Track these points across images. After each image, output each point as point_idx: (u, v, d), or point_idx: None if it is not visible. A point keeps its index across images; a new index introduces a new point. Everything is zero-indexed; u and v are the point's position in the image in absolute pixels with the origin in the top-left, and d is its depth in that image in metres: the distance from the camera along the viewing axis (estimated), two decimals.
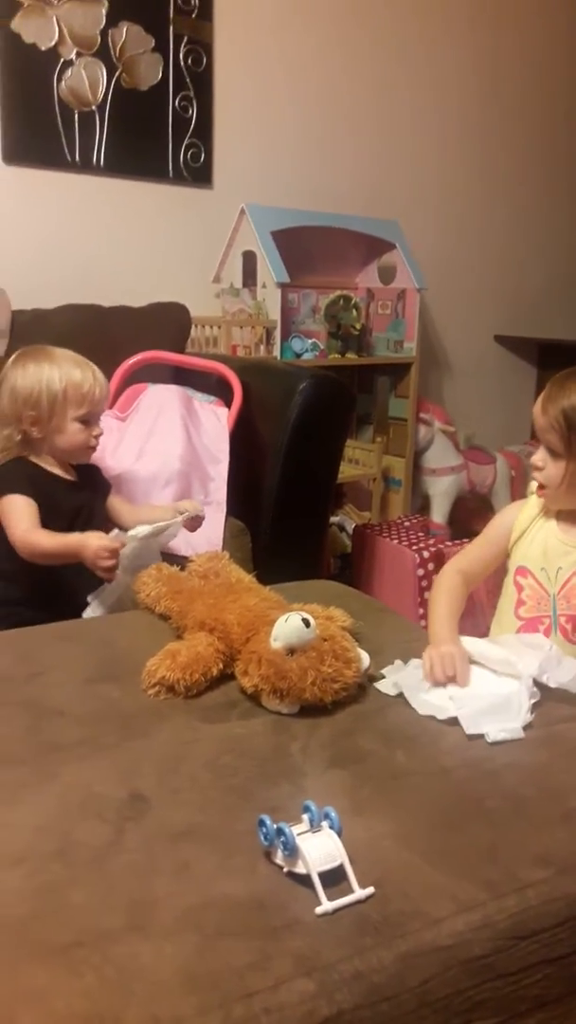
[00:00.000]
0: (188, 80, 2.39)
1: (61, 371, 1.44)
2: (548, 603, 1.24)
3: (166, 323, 2.14)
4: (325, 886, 0.69)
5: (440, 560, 2.35)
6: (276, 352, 2.36)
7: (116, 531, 1.34)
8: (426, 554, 2.32)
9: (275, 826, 0.72)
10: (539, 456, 1.20)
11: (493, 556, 1.31)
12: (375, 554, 2.43)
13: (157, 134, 2.38)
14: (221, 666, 1.06)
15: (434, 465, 2.88)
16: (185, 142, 2.43)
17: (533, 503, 1.30)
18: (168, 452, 1.71)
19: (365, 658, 1.06)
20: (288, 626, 1.01)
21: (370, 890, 0.69)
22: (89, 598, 1.37)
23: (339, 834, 0.72)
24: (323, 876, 0.69)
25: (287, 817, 0.74)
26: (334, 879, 0.70)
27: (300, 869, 0.70)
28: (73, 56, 2.20)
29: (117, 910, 0.67)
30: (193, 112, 2.42)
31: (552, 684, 1.03)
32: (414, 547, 2.34)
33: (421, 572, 2.31)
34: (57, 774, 0.86)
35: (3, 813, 0.79)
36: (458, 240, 3.12)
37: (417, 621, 2.21)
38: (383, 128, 2.83)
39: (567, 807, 0.82)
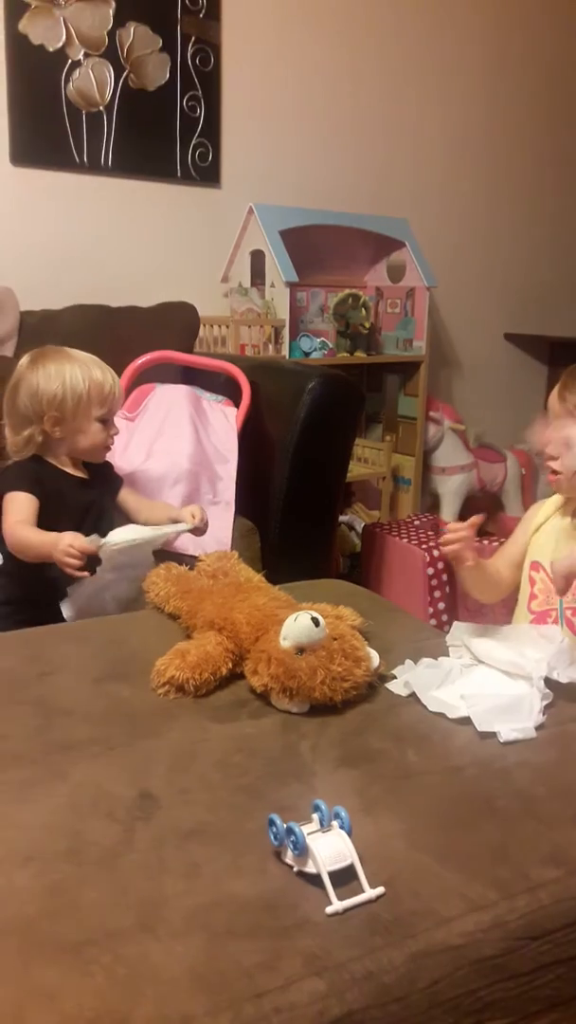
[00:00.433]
0: (196, 80, 2.39)
1: (84, 372, 1.45)
2: (556, 596, 1.24)
3: (174, 323, 2.15)
4: (335, 886, 0.69)
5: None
6: (285, 351, 2.36)
7: (94, 536, 1.33)
8: (436, 553, 2.31)
9: (285, 825, 0.72)
10: (553, 446, 1.19)
11: (518, 552, 1.31)
12: (385, 553, 2.43)
13: (165, 134, 2.38)
14: (230, 665, 1.06)
15: (444, 464, 2.87)
16: (193, 142, 2.43)
17: (552, 501, 1.30)
18: (177, 451, 1.71)
19: (375, 657, 1.06)
20: (297, 625, 1.01)
21: (380, 890, 0.69)
22: (68, 589, 1.38)
23: (349, 833, 0.72)
24: (333, 876, 0.69)
25: (297, 816, 0.73)
26: (344, 879, 0.70)
27: (310, 869, 0.70)
28: (81, 57, 2.20)
29: (127, 909, 0.67)
30: (201, 112, 2.42)
31: (563, 680, 1.02)
32: (424, 546, 2.34)
33: (431, 571, 2.31)
34: (67, 773, 0.86)
35: (13, 812, 0.79)
36: (467, 238, 3.11)
37: (427, 620, 2.21)
38: (390, 126, 2.83)
39: None
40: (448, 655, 1.14)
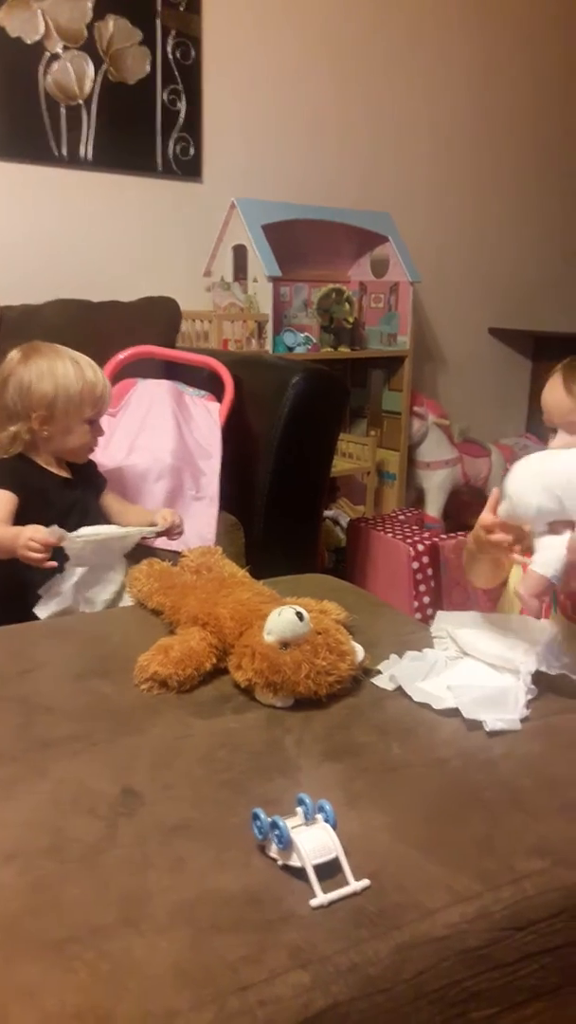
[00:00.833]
0: (176, 73, 2.38)
1: (77, 372, 1.43)
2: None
3: (156, 317, 2.14)
4: (320, 879, 0.68)
5: (435, 554, 2.34)
6: (268, 346, 2.35)
7: (54, 527, 1.33)
8: (421, 548, 2.32)
9: (269, 819, 0.71)
10: (559, 442, 1.16)
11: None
12: (370, 548, 2.43)
13: (146, 128, 2.37)
14: (214, 660, 1.06)
15: (428, 458, 2.88)
16: (174, 136, 2.41)
17: None
18: (159, 447, 1.71)
19: (360, 651, 1.06)
20: (282, 620, 1.00)
21: (365, 882, 0.69)
22: (40, 591, 1.37)
23: (334, 827, 0.72)
24: (318, 869, 0.69)
25: (281, 811, 0.73)
26: (329, 872, 0.69)
27: (295, 862, 0.70)
28: (59, 50, 2.19)
29: (110, 905, 0.66)
30: (182, 106, 2.41)
31: (553, 672, 1.02)
32: (409, 541, 2.34)
33: (416, 566, 2.31)
34: (49, 770, 0.85)
35: None
36: (451, 232, 3.11)
37: (412, 615, 2.21)
38: (374, 120, 2.83)
39: (564, 798, 0.82)
40: (433, 647, 1.14)
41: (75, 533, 1.34)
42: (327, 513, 2.65)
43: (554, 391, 1.17)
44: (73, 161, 2.27)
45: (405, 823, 0.78)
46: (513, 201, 3.26)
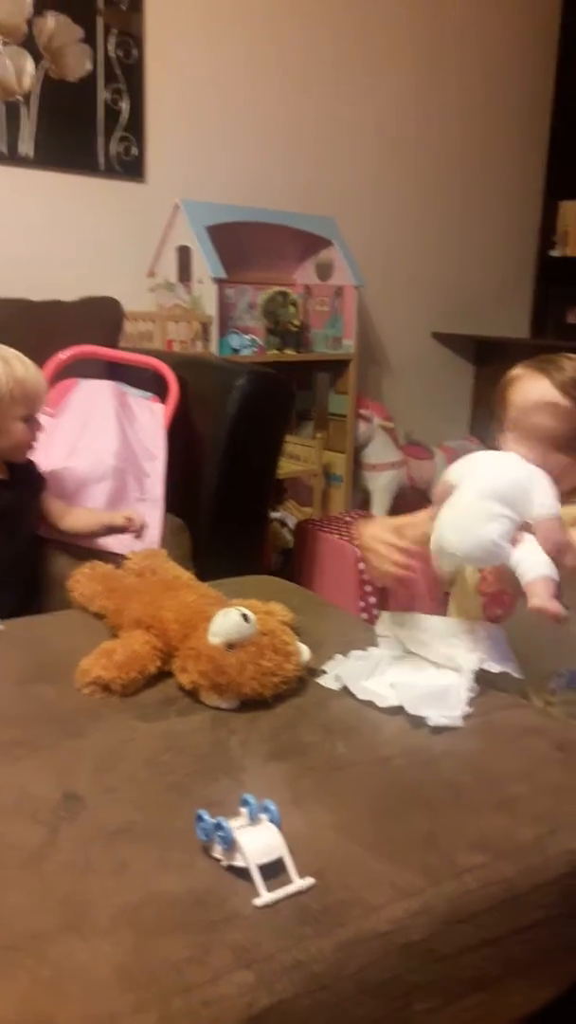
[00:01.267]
0: (119, 72, 2.36)
1: (5, 369, 1.40)
2: (508, 574, 1.22)
3: (98, 317, 2.11)
4: (265, 878, 0.68)
5: None
6: (213, 348, 2.35)
7: None
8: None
9: (213, 821, 0.71)
10: (523, 451, 1.12)
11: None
12: (317, 549, 2.44)
13: (88, 127, 2.34)
14: (158, 663, 1.05)
15: (374, 461, 2.90)
16: (117, 135, 2.39)
17: None
18: (102, 449, 1.68)
19: (305, 651, 1.06)
20: (227, 621, 1.00)
21: (310, 880, 0.69)
22: None
23: (278, 826, 0.72)
24: (263, 868, 0.69)
25: (226, 812, 0.73)
26: (274, 871, 0.70)
27: (239, 862, 0.70)
28: None
29: (52, 911, 0.66)
30: (124, 105, 2.39)
31: (495, 670, 1.04)
32: (355, 542, 2.36)
33: (362, 567, 2.33)
34: None
35: None
36: (395, 237, 3.15)
37: (358, 615, 2.23)
38: (319, 124, 2.84)
39: (503, 793, 0.83)
40: (378, 646, 1.15)
41: None
42: (274, 515, 2.65)
43: (543, 394, 1.12)
44: (13, 158, 2.23)
45: (350, 821, 0.79)
46: (457, 207, 3.31)
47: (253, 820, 0.73)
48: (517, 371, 1.19)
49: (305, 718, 0.98)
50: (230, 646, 1.00)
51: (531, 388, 1.14)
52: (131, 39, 2.36)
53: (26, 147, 2.24)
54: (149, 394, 1.89)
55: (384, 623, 1.18)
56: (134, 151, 2.43)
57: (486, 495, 1.00)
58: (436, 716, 0.95)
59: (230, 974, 0.60)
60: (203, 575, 1.32)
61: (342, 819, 0.79)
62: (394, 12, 2.94)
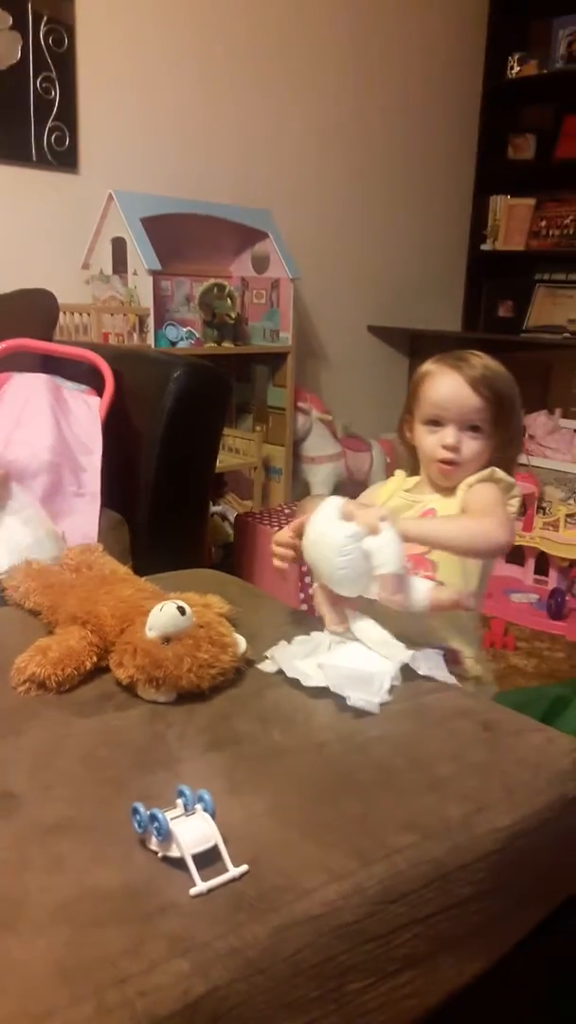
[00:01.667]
0: (49, 61, 2.32)
1: None
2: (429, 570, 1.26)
3: (31, 310, 2.08)
4: (201, 868, 0.69)
5: None
6: (150, 340, 2.33)
7: None
8: None
9: (148, 812, 0.72)
10: (453, 437, 1.20)
11: None
12: (257, 542, 2.45)
13: (18, 116, 2.29)
14: (95, 659, 1.05)
15: (313, 453, 2.92)
16: (48, 125, 2.35)
17: (393, 482, 1.34)
18: (36, 443, 1.66)
19: (242, 643, 1.07)
20: (163, 615, 1.01)
21: (244, 868, 0.70)
22: None
23: (213, 815, 0.73)
24: (198, 858, 0.70)
25: (163, 804, 0.74)
26: (210, 860, 0.71)
27: (174, 853, 0.70)
28: None
29: None
30: (56, 94, 2.35)
31: (422, 672, 1.06)
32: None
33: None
34: None
35: None
36: (331, 230, 3.17)
37: (298, 606, 2.24)
38: (254, 116, 2.84)
39: (433, 775, 0.86)
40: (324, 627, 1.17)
41: None
42: (214, 509, 2.65)
43: (456, 389, 1.19)
44: None
45: (284, 807, 0.80)
46: (391, 200, 3.35)
47: (188, 811, 0.74)
48: (429, 367, 1.25)
49: (242, 708, 0.99)
50: (167, 639, 1.00)
51: (443, 383, 1.21)
52: (62, 27, 2.32)
53: None
54: (85, 387, 1.87)
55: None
56: (66, 141, 2.40)
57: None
58: (355, 698, 0.97)
59: (165, 963, 0.61)
60: (143, 570, 1.32)
61: (277, 805, 0.80)
62: (328, 6, 2.95)
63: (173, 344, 2.41)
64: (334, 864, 0.72)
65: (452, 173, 3.52)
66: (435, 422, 1.22)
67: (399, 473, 1.36)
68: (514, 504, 1.21)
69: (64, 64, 2.35)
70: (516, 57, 3.38)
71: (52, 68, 2.32)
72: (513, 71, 3.40)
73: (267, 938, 0.65)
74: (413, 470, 1.34)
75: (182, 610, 1.01)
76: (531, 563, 2.77)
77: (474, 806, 0.81)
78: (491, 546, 1.12)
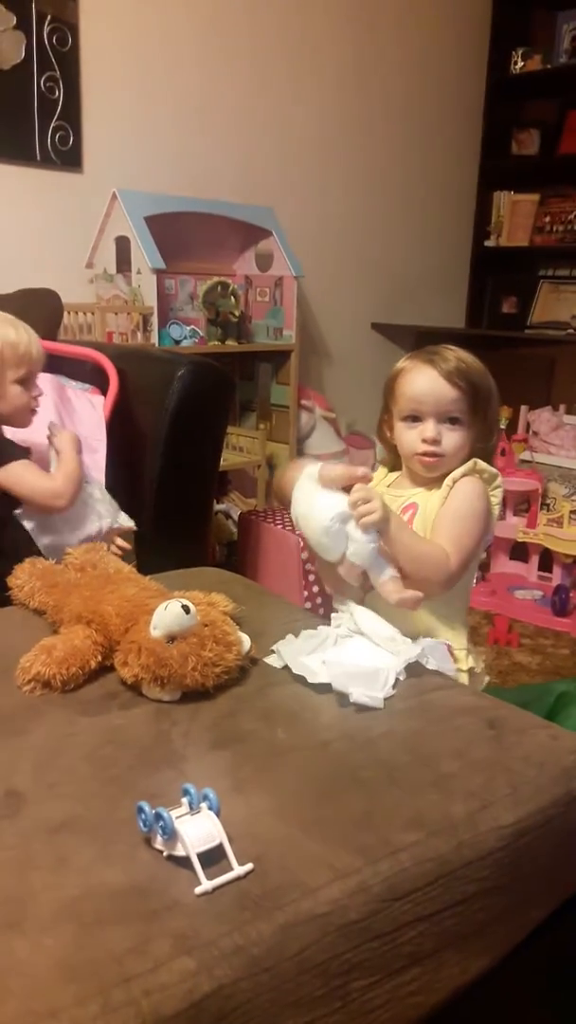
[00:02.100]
0: (53, 60, 2.32)
1: None
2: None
3: (36, 310, 2.07)
4: (205, 866, 0.70)
5: None
6: (154, 339, 2.33)
7: None
8: None
9: (153, 811, 0.72)
10: (433, 430, 1.20)
11: None
12: (260, 540, 2.45)
13: (22, 116, 2.30)
14: (100, 658, 1.05)
15: (316, 451, 2.92)
16: (52, 124, 2.35)
17: (375, 478, 1.34)
18: (41, 442, 1.67)
19: (246, 641, 1.08)
20: (168, 614, 1.01)
21: (249, 866, 0.71)
22: None
23: (218, 814, 0.73)
24: (203, 856, 0.70)
25: (168, 802, 0.74)
26: (214, 859, 0.71)
27: (179, 852, 0.71)
28: None
29: None
30: (60, 93, 2.35)
31: (431, 667, 1.07)
32: (298, 532, 2.37)
33: (305, 556, 2.35)
34: None
35: None
36: (334, 228, 3.16)
37: (302, 604, 2.25)
38: (257, 114, 2.83)
39: (438, 772, 0.86)
40: (330, 623, 1.17)
41: None
42: (218, 507, 2.66)
43: (432, 382, 1.21)
44: None
45: (289, 806, 0.80)
46: (395, 197, 3.34)
47: (193, 809, 0.74)
48: (405, 363, 1.26)
49: (246, 706, 0.99)
50: (171, 638, 1.00)
51: (419, 377, 1.22)
52: (65, 27, 2.32)
53: None
54: (89, 386, 1.87)
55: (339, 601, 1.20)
56: (70, 140, 2.40)
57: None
58: (358, 694, 0.97)
59: (170, 962, 0.61)
60: (146, 568, 1.32)
61: (282, 804, 0.80)
62: (336, 8, 2.94)
63: (177, 343, 2.42)
64: (339, 862, 0.72)
65: (455, 169, 3.51)
66: (414, 417, 1.23)
67: (381, 469, 1.37)
68: (497, 495, 1.22)
69: (68, 63, 2.35)
70: (520, 52, 3.36)
71: (56, 67, 2.32)
72: (517, 66, 3.39)
73: (272, 936, 0.65)
74: (394, 467, 1.34)
75: (187, 609, 1.01)
76: (535, 560, 2.76)
77: (479, 803, 0.81)
78: (437, 581, 1.14)
